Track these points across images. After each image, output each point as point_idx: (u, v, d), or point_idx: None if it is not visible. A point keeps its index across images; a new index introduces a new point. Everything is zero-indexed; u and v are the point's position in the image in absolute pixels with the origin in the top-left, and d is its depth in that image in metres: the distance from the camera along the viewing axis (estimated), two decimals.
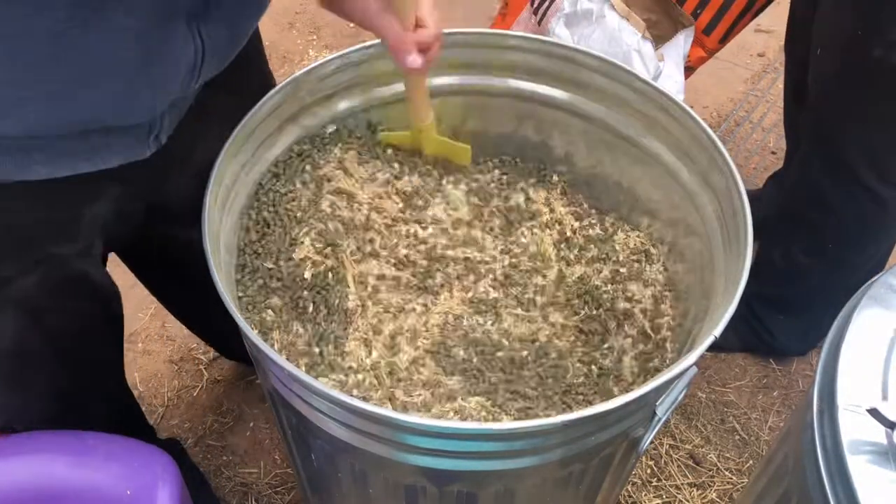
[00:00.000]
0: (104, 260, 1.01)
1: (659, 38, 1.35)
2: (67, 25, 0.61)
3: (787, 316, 1.53)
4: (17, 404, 1.02)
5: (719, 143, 0.90)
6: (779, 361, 1.61)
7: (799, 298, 1.50)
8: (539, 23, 1.38)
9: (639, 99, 1.00)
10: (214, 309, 0.78)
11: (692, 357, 0.75)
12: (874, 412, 0.66)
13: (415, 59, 0.83)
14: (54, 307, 0.92)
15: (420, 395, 0.89)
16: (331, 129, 1.05)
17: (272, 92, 0.93)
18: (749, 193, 0.86)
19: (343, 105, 1.05)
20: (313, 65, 0.97)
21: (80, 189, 0.80)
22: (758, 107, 2.21)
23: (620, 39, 1.26)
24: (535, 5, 1.42)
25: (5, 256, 0.84)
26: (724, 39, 1.45)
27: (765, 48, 2.42)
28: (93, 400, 1.09)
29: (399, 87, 1.06)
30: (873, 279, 0.80)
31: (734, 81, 2.30)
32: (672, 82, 1.39)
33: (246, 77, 0.93)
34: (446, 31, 1.02)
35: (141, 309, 1.63)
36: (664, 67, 1.34)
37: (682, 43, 1.35)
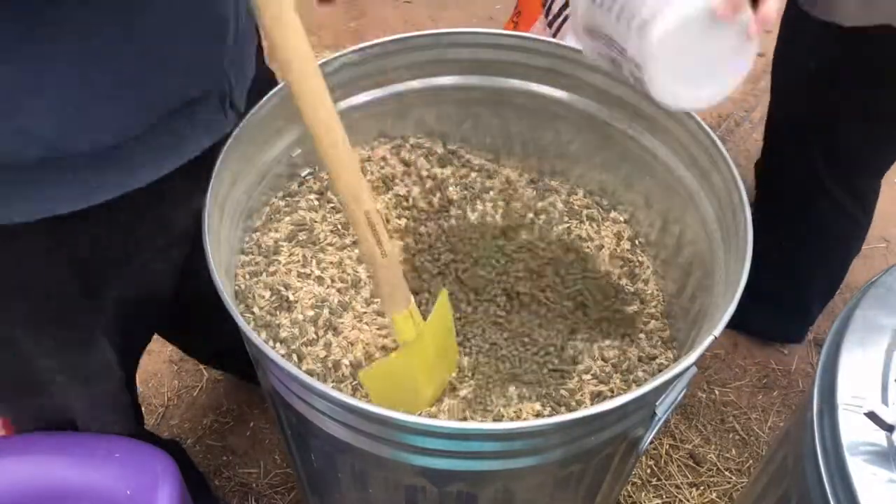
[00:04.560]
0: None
1: None
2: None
3: (765, 304, 1.53)
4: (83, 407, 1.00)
5: (719, 143, 0.90)
6: (779, 362, 1.61)
7: (777, 290, 1.50)
8: (553, 36, 1.37)
9: (639, 99, 1.00)
10: (216, 317, 0.78)
11: (692, 357, 0.75)
12: (872, 415, 0.66)
13: None
14: (137, 324, 0.93)
15: None
16: None
17: (272, 92, 0.93)
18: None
19: (343, 105, 1.05)
20: None
21: (168, 195, 0.80)
22: (758, 107, 2.20)
23: None
24: (550, 18, 1.41)
25: (105, 280, 0.84)
26: None
27: (765, 48, 2.42)
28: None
29: (399, 86, 1.06)
30: (873, 279, 0.80)
31: None
32: None
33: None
34: (447, 31, 1.02)
35: None
36: None
37: None
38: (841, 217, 1.36)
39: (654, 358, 0.97)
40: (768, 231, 1.43)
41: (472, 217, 1.08)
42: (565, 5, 1.32)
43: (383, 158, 1.13)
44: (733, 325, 1.57)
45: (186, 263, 0.93)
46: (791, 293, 1.52)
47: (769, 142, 1.45)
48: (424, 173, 1.12)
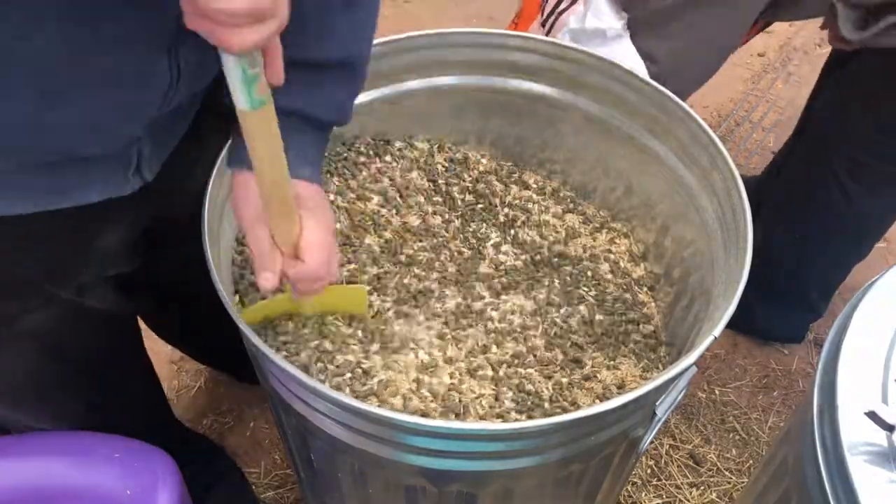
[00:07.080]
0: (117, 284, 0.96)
1: None
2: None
3: (767, 299, 1.53)
4: (47, 426, 1.00)
5: (719, 143, 0.90)
6: (779, 362, 1.61)
7: (777, 284, 1.51)
8: (546, 35, 1.38)
9: (639, 99, 1.00)
10: (212, 323, 0.76)
11: (692, 357, 0.75)
12: (872, 415, 0.66)
13: (267, 279, 0.73)
14: (66, 336, 0.90)
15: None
16: None
17: None
18: (748, 181, 0.87)
19: None
20: None
21: (85, 221, 0.77)
22: (758, 107, 2.21)
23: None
24: (543, 18, 1.41)
25: (4, 296, 0.81)
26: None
27: (765, 48, 2.43)
28: (122, 409, 1.07)
29: (399, 86, 1.06)
30: (874, 279, 0.80)
31: (734, 81, 2.30)
32: None
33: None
34: (447, 31, 1.02)
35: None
36: None
37: None
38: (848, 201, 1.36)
39: (655, 350, 0.97)
40: (778, 224, 1.44)
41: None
42: (557, 4, 1.32)
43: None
44: (734, 325, 1.59)
45: (183, 264, 0.92)
46: (799, 287, 1.53)
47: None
48: None
